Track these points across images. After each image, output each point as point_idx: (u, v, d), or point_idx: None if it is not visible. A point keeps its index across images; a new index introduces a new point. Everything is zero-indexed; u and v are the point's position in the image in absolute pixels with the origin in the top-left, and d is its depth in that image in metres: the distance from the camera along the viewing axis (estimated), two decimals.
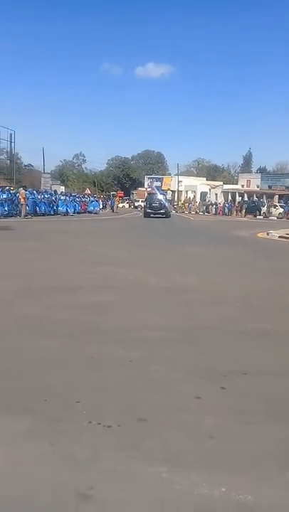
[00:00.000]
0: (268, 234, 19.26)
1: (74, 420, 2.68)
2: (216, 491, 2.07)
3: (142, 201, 57.72)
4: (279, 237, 18.02)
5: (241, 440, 2.53)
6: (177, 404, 2.96)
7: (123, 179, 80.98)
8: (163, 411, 2.85)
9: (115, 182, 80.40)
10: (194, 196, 58.17)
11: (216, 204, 51.00)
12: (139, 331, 4.53)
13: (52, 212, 29.64)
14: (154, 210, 30.88)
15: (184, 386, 3.24)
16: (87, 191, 50.93)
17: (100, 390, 3.11)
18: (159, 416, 2.79)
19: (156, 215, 30.10)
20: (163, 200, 32.19)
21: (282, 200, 46.88)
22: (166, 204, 32.57)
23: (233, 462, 2.31)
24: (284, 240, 17.22)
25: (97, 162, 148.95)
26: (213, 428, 2.65)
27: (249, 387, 3.28)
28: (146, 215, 30.86)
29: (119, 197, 58.67)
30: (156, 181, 67.42)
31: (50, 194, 32.96)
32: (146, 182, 69.16)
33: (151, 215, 30.22)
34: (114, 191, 65.49)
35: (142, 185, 70.73)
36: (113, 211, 42.78)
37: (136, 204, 58.53)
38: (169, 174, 73.09)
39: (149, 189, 43.64)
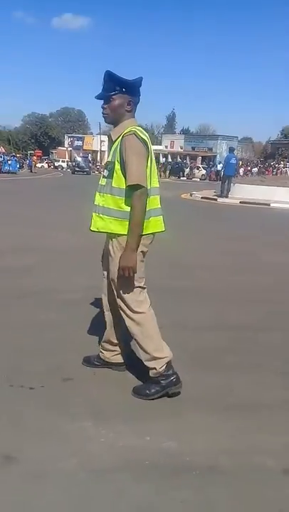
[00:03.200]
0: (191, 195, 19.64)
1: None
2: (140, 440, 2.12)
3: (62, 161, 56.20)
4: (201, 197, 18.47)
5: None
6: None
7: (41, 137, 77.23)
8: (88, 369, 2.84)
9: (32, 140, 76.50)
10: None
11: None
12: (62, 293, 4.45)
13: None
14: (81, 169, 41.29)
15: None
16: (2, 149, 47.93)
17: (22, 353, 3.03)
18: (83, 374, 2.78)
19: (80, 173, 40.44)
20: (86, 162, 43.82)
21: (204, 162, 47.84)
22: (89, 165, 44.12)
23: (155, 411, 2.38)
24: (206, 200, 17.70)
25: (10, 118, 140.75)
26: (136, 380, 2.69)
27: (174, 340, 3.36)
28: (74, 171, 41.81)
29: (37, 156, 56.10)
30: (78, 140, 65.55)
31: None
32: (67, 141, 66.94)
33: (76, 172, 40.94)
34: (32, 150, 62.40)
35: (62, 145, 68.33)
36: (31, 171, 40.91)
37: (56, 164, 56.66)
38: (91, 133, 71.25)
39: (74, 154, 51.73)
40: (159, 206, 2.61)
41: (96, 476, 1.88)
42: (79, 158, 44.15)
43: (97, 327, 3.55)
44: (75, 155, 49.91)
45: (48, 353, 3.05)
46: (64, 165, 55.30)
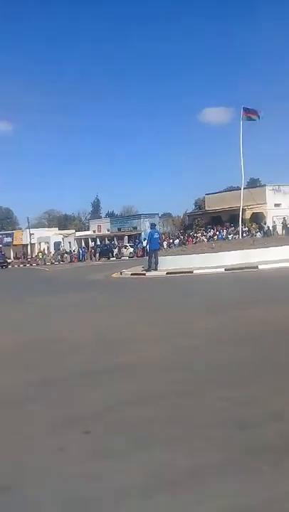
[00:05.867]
0: (121, 273, 20.03)
1: None
2: None
3: None
4: (131, 274, 18.91)
5: (105, 480, 2.54)
6: (40, 462, 2.85)
7: None
8: (26, 473, 2.72)
9: None
10: (48, 247, 57.79)
11: (70, 252, 51.40)
12: None
13: None
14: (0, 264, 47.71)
15: (46, 441, 3.15)
16: None
17: None
18: (21, 480, 2.65)
19: (1, 266, 46.86)
20: (3, 257, 51.07)
21: (131, 241, 49.39)
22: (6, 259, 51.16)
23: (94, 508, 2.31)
24: (135, 276, 18.13)
25: None
26: (78, 477, 2.61)
27: (112, 424, 3.34)
28: None
29: None
30: (7, 237, 65.49)
31: None
32: None
33: None
34: None
35: None
36: None
37: None
38: (20, 228, 71.55)
39: None
40: None
41: None
42: None
43: (29, 428, 3.45)
44: None
45: None
46: None
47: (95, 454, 2.89)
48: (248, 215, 39.02)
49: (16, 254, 61.46)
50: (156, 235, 19.00)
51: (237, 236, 31.49)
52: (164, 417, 3.36)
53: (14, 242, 63.15)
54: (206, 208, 48.18)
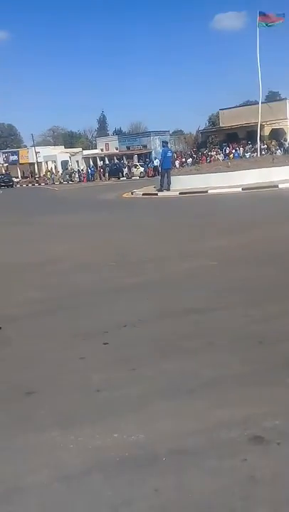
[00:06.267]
0: (132, 193, 19.75)
1: None
2: (108, 439, 2.13)
3: None
4: (142, 194, 18.63)
5: (127, 386, 2.63)
6: (63, 370, 2.95)
7: None
8: (50, 379, 2.82)
9: None
10: (55, 166, 56.76)
11: (78, 171, 50.51)
12: (15, 309, 4.37)
13: None
14: (5, 183, 48.31)
15: (67, 351, 3.24)
16: None
17: None
18: (46, 385, 2.75)
19: (3, 186, 47.07)
20: (9, 177, 51.62)
21: (141, 160, 48.18)
22: (13, 178, 51.92)
23: (121, 408, 2.40)
24: (147, 196, 17.87)
25: None
26: (99, 382, 2.70)
27: (130, 337, 3.40)
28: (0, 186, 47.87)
29: None
30: (12, 155, 64.08)
31: None
32: (1, 157, 65.30)
33: (1, 186, 47.23)
34: None
35: None
36: None
37: None
38: (25, 146, 69.78)
39: None
40: None
41: (70, 483, 1.87)
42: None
43: (49, 337, 3.53)
44: None
45: (5, 372, 3.00)
46: None
47: (116, 363, 2.97)
48: (266, 131, 37.16)
49: (24, 173, 60.50)
50: (169, 154, 18.40)
51: (255, 154, 30.27)
52: (184, 332, 3.41)
53: (20, 161, 61.77)
54: (221, 125, 45.94)
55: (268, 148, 36.39)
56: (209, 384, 2.58)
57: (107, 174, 45.24)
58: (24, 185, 52.16)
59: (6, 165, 62.03)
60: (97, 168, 49.52)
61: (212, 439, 2.07)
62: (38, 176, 55.08)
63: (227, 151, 40.24)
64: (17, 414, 2.45)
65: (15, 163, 62.21)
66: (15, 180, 54.88)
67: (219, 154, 40.22)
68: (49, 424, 2.31)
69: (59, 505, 1.76)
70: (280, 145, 38.20)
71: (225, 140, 43.38)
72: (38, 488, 1.85)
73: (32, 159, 58.12)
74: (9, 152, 65.84)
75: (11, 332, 3.73)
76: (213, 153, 41.49)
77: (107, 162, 50.26)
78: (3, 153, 66.21)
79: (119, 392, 2.57)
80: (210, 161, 35.41)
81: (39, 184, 49.24)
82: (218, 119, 48.36)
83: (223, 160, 33.13)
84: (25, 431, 2.27)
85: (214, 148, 43.50)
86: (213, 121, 55.82)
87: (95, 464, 1.96)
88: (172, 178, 17.98)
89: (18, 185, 51.68)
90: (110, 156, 51.90)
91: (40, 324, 3.90)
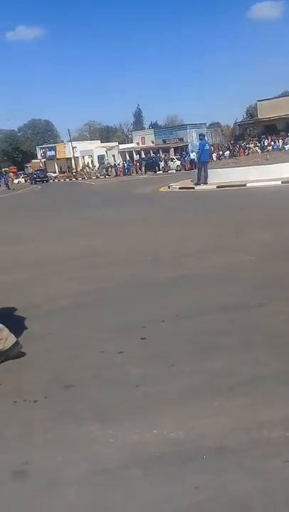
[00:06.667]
0: (168, 187, 19.67)
1: None
2: (148, 434, 2.13)
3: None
4: (179, 188, 18.52)
5: (166, 382, 2.62)
6: (102, 364, 2.97)
7: (13, 153, 76.75)
8: (88, 373, 2.85)
9: (5, 158, 76.15)
10: (92, 161, 57.31)
11: (115, 166, 50.80)
12: (54, 302, 4.45)
13: None
14: (40, 179, 49.77)
15: (106, 345, 3.26)
16: None
17: (20, 368, 3.02)
18: (85, 378, 2.78)
19: (40, 181, 48.90)
20: (44, 172, 53.12)
21: (177, 153, 47.90)
22: (48, 174, 53.78)
23: (160, 404, 2.39)
24: (184, 190, 17.75)
25: None
26: (138, 377, 2.70)
27: (168, 333, 3.39)
28: (34, 181, 49.87)
29: (13, 172, 56.06)
30: (50, 150, 65.17)
31: None
32: (39, 152, 66.56)
33: (37, 181, 49.36)
34: (6, 167, 62.21)
35: (35, 157, 68.01)
36: (8, 188, 40.90)
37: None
38: (62, 141, 70.83)
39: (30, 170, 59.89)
40: None
41: (109, 477, 1.89)
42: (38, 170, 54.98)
43: (86, 331, 3.57)
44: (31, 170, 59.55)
45: (44, 364, 3.05)
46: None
47: (154, 358, 2.96)
48: None
49: (61, 168, 61.48)
50: (206, 147, 18.19)
51: None
52: (222, 329, 3.36)
53: (57, 156, 62.77)
54: (259, 116, 44.96)
55: None
56: (248, 382, 2.54)
57: (143, 168, 45.24)
58: (62, 180, 52.94)
59: (43, 160, 63.22)
60: (133, 162, 49.63)
61: (253, 439, 2.03)
62: (75, 170, 55.80)
63: (265, 144, 39.33)
64: (56, 407, 2.49)
65: (52, 158, 63.29)
66: (52, 175, 55.94)
67: (257, 147, 39.38)
68: (88, 417, 2.33)
69: (97, 499, 1.77)
70: None
71: (263, 132, 42.49)
72: (77, 482, 1.87)
73: (69, 154, 58.98)
74: (46, 148, 67.02)
75: (50, 324, 3.80)
76: (251, 145, 40.68)
77: (143, 156, 50.27)
78: (40, 148, 67.46)
79: (158, 387, 2.56)
80: (248, 154, 34.77)
81: (76, 179, 49.90)
82: (256, 111, 47.37)
83: (262, 152, 32.39)
84: (64, 424, 2.30)
85: (252, 140, 42.67)
86: (251, 113, 54.75)
87: (134, 459, 1.97)
88: (209, 171, 17.77)
89: (56, 180, 52.50)
90: (146, 150, 51.88)
91: (78, 318, 3.94)
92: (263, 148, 38.27)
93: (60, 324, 3.81)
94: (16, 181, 51.18)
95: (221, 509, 1.66)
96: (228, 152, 40.93)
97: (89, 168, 54.08)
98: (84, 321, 3.83)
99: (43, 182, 48.40)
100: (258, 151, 36.75)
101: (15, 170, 61.54)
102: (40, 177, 50.70)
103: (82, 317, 3.94)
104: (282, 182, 14.72)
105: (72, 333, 3.57)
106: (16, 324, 3.83)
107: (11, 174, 50.88)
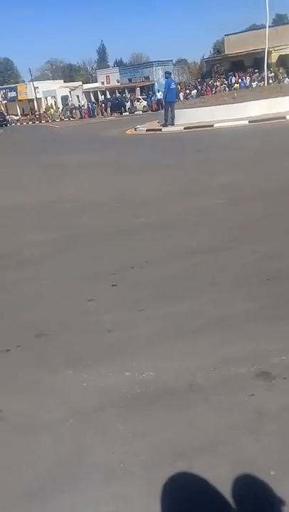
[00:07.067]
0: (135, 129, 19.13)
1: None
2: (120, 377, 2.21)
3: None
4: (146, 130, 18.05)
5: (137, 326, 2.69)
6: (73, 311, 3.01)
7: None
8: (60, 320, 2.89)
9: None
10: (55, 102, 54.75)
11: (79, 107, 48.75)
12: (23, 251, 4.40)
13: None
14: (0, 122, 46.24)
15: (77, 292, 3.28)
16: None
17: None
18: (57, 326, 2.82)
19: (0, 125, 45.41)
20: (5, 116, 49.63)
21: (144, 93, 46.24)
22: (7, 117, 50.05)
23: (132, 348, 2.46)
24: (151, 132, 17.32)
25: None
26: (109, 323, 2.76)
27: (137, 279, 3.43)
28: None
29: None
30: (11, 91, 61.68)
31: None
32: (0, 94, 62.95)
33: None
34: None
35: None
36: None
37: None
38: (23, 81, 66.94)
39: None
40: None
41: (85, 419, 1.96)
42: None
43: (57, 279, 3.57)
44: None
45: (15, 314, 3.06)
46: None
47: (125, 304, 3.01)
48: (273, 58, 35.01)
49: (23, 111, 58.52)
50: (172, 85, 17.50)
51: (262, 83, 28.85)
52: (190, 272, 3.42)
53: (19, 97, 59.46)
54: (226, 52, 43.40)
55: (276, 77, 34.61)
56: (216, 322, 2.63)
57: (108, 109, 43.65)
58: (24, 123, 50.61)
59: (4, 102, 59.93)
60: (98, 103, 47.77)
61: (220, 376, 2.13)
62: (38, 113, 53.32)
63: (233, 81, 38.40)
64: (29, 355, 2.53)
65: (14, 100, 60.01)
66: (15, 118, 53.29)
67: (225, 84, 38.44)
68: (61, 364, 2.38)
69: (74, 441, 1.85)
70: (288, 73, 36.27)
71: (231, 69, 41.27)
72: (53, 425, 1.94)
73: (31, 95, 56.00)
74: (7, 88, 63.23)
75: (19, 274, 3.78)
76: (218, 83, 39.66)
77: (108, 96, 48.37)
78: (0, 89, 63.72)
79: (129, 332, 2.63)
80: (215, 92, 33.95)
81: (40, 122, 47.81)
82: (224, 47, 45.68)
83: (229, 90, 31.67)
84: (38, 371, 2.35)
85: (220, 77, 41.48)
86: (218, 48, 52.90)
87: (107, 401, 2.05)
88: (176, 111, 17.31)
89: (18, 124, 50.13)
90: (112, 90, 49.87)
91: (48, 266, 3.93)
92: (230, 86, 37.38)
93: (30, 273, 3.79)
94: None
95: (189, 444, 1.77)
96: (195, 91, 39.81)
97: (53, 109, 51.76)
98: (54, 270, 3.82)
99: (1, 126, 46.09)
100: (226, 89, 35.92)
101: None
102: None
103: (52, 266, 3.93)
104: (249, 121, 14.55)
105: (43, 282, 3.57)
106: None
107: None
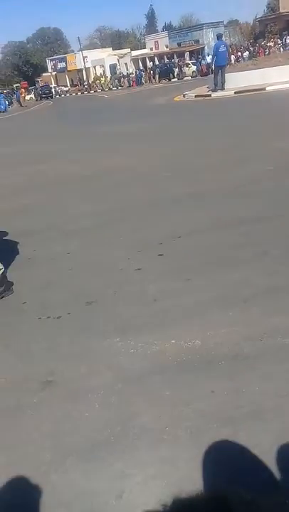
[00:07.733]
0: (184, 96, 18.66)
1: (24, 320, 2.72)
2: (167, 345, 2.24)
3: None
4: (195, 96, 17.56)
5: (183, 296, 2.69)
6: (121, 280, 3.05)
7: (24, 67, 72.61)
8: (109, 289, 2.94)
9: (16, 72, 72.22)
10: (104, 71, 54.23)
11: (127, 75, 48.06)
12: (72, 223, 4.48)
13: None
14: (46, 95, 47.78)
15: (124, 262, 3.32)
16: None
17: (43, 287, 3.13)
18: (105, 295, 2.88)
19: (45, 97, 47.08)
20: (49, 88, 50.40)
21: (193, 57, 44.77)
22: (53, 90, 50.57)
23: (177, 317, 2.48)
24: (200, 98, 16.83)
25: None
26: (156, 292, 2.78)
27: (184, 248, 3.42)
28: (40, 97, 47.97)
29: (24, 88, 53.63)
30: (60, 62, 61.63)
31: None
32: (50, 65, 63.08)
33: (42, 97, 47.55)
34: (17, 83, 59.50)
35: (46, 70, 64.57)
36: (21, 105, 39.49)
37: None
38: (72, 51, 66.64)
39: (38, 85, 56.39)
40: None
41: (132, 384, 2.02)
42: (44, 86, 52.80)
43: (105, 249, 3.62)
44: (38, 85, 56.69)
45: (66, 283, 3.15)
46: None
47: (171, 273, 3.02)
48: None
49: (73, 82, 58.54)
50: (222, 48, 16.74)
51: None
52: (239, 242, 3.37)
53: (68, 68, 59.32)
54: (281, 10, 40.97)
55: None
56: (266, 292, 2.59)
57: (157, 76, 42.72)
58: (74, 94, 50.62)
59: (54, 73, 60.09)
60: (146, 70, 46.83)
61: (266, 345, 2.11)
62: (86, 83, 53.13)
63: (288, 41, 36.23)
64: (79, 322, 2.61)
65: (63, 70, 59.98)
66: (64, 89, 53.47)
67: (279, 45, 36.39)
68: (109, 331, 2.44)
69: (121, 405, 1.91)
70: None
71: (285, 28, 38.91)
72: (101, 390, 2.01)
73: (80, 65, 55.73)
74: (57, 59, 63.10)
75: (69, 244, 3.86)
76: (272, 43, 37.60)
77: (157, 63, 47.29)
78: (50, 60, 63.74)
79: (175, 301, 2.65)
80: (268, 54, 32.21)
81: (88, 92, 47.66)
82: (278, 4, 42.97)
83: (284, 51, 29.95)
84: (87, 337, 2.43)
85: (273, 38, 39.29)
86: (272, 7, 49.83)
87: (154, 368, 2.09)
88: (227, 75, 16.65)
89: (68, 94, 50.23)
90: (160, 56, 48.71)
91: (97, 236, 3.99)
92: (284, 46, 35.31)
93: (79, 244, 3.87)
94: (27, 97, 49.10)
95: (234, 410, 1.78)
96: (247, 53, 38.02)
97: (102, 78, 51.32)
98: (102, 241, 3.87)
99: (47, 98, 47.24)
100: (280, 49, 34.00)
101: (26, 85, 58.62)
102: (45, 93, 49.79)
103: (101, 237, 3.98)
104: None
105: (92, 252, 3.64)
106: (35, 245, 3.92)
107: (23, 90, 48.80)
